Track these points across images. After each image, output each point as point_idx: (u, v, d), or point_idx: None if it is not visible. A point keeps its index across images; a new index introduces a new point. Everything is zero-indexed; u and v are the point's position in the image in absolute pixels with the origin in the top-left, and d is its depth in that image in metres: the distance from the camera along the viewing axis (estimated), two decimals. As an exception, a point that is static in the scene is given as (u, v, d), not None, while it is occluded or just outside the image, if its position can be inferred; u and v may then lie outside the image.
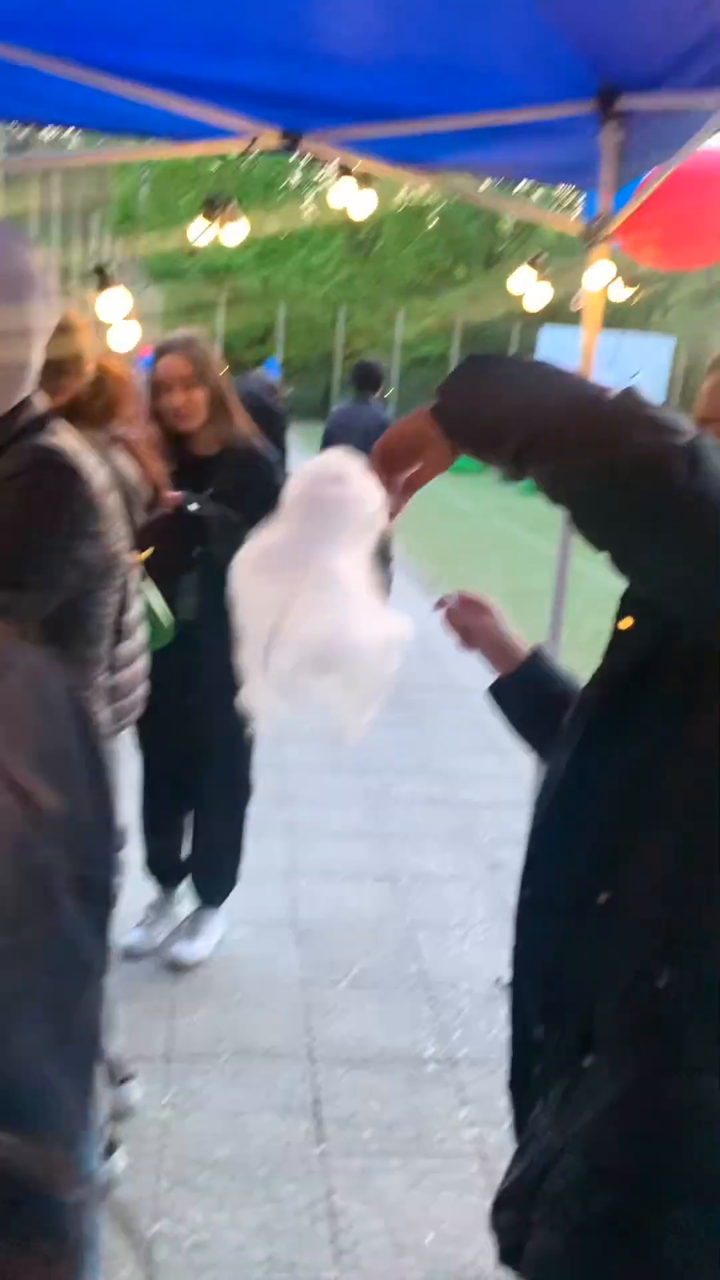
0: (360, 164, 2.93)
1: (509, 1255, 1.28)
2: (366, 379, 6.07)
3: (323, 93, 2.78)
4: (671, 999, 1.09)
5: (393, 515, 1.08)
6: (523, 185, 25.99)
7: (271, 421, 5.76)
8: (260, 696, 1.14)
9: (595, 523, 0.95)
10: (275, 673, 1.13)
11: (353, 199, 2.90)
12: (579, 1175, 1.15)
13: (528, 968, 1.31)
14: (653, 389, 30.82)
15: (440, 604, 1.56)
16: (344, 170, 2.90)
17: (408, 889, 3.69)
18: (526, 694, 1.46)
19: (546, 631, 3.02)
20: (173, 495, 2.61)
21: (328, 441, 6.18)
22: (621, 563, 0.97)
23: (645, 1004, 1.11)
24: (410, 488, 1.08)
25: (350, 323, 33.18)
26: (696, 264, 3.05)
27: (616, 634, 1.20)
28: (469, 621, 1.53)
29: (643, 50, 2.42)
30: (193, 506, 2.67)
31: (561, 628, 3.10)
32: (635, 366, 29.36)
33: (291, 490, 1.12)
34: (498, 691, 1.52)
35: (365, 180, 2.91)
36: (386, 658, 1.10)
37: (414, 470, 1.05)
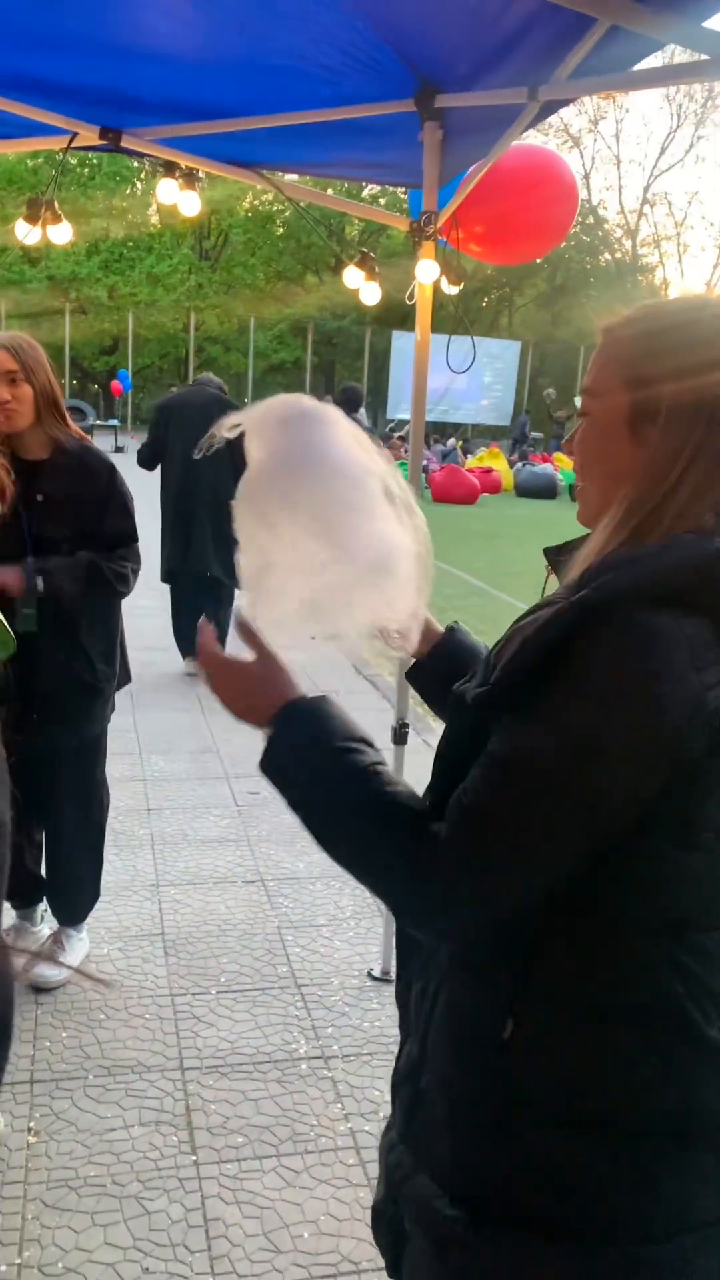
0: (185, 162, 2.91)
1: (393, 1268, 1.28)
2: (349, 400, 7.01)
3: (142, 90, 2.75)
4: (514, 1054, 1.08)
5: None
6: (368, 191, 26.35)
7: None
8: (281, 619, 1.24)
9: None
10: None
11: (179, 198, 2.87)
12: (429, 1193, 1.16)
13: (398, 979, 1.31)
14: (503, 391, 31.62)
15: None
16: (168, 169, 2.87)
17: (276, 891, 3.67)
18: (440, 673, 1.41)
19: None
20: (11, 576, 2.61)
21: None
22: None
23: (488, 1055, 1.10)
24: None
25: (201, 331, 32.93)
26: (521, 258, 3.14)
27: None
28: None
29: (455, 50, 2.48)
30: (39, 585, 2.65)
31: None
32: (486, 370, 30.18)
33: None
34: (413, 674, 1.49)
35: (189, 179, 2.88)
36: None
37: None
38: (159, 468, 6.10)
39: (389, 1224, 1.25)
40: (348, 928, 3.45)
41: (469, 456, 24.41)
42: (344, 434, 1.26)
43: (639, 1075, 1.06)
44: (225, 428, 1.32)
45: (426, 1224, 1.15)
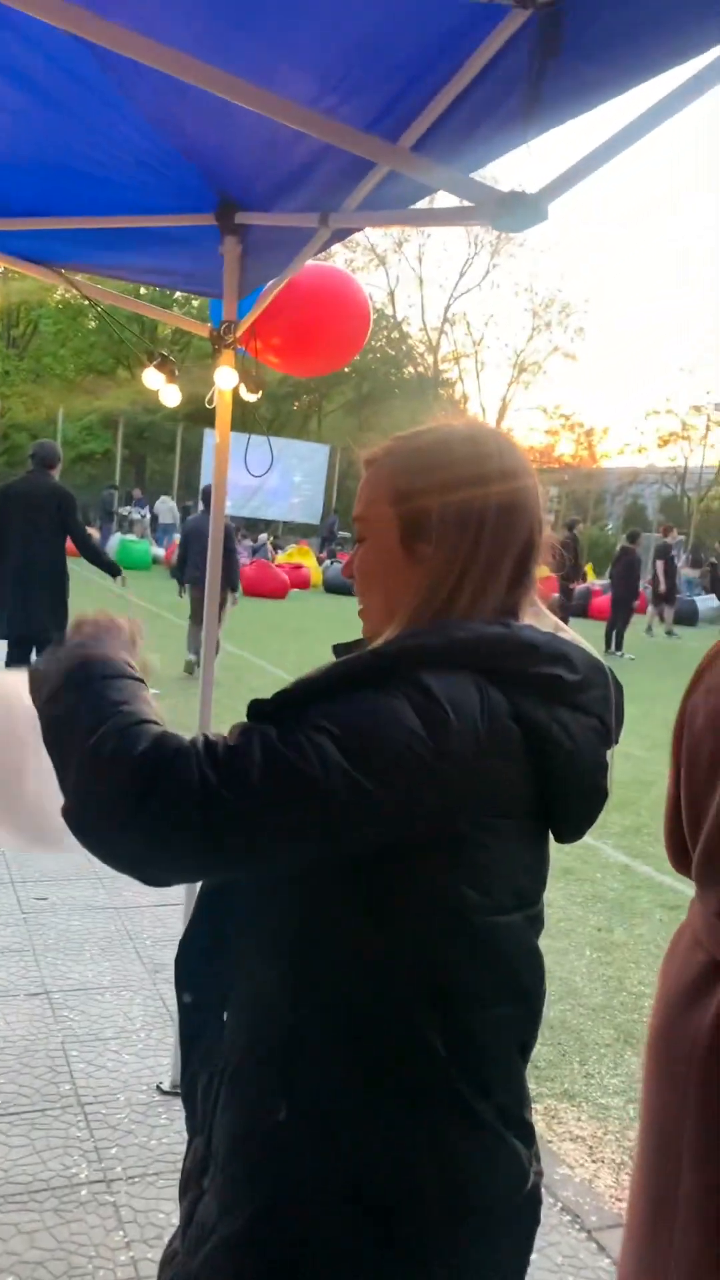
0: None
1: None
2: (44, 457, 7.31)
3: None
4: (290, 1132, 1.08)
5: None
6: (180, 293, 26.77)
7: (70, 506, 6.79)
8: None
9: None
10: None
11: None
12: None
13: (183, 1075, 1.27)
14: (313, 490, 32.45)
15: None
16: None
17: (62, 1003, 3.48)
18: None
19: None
20: None
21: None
22: None
23: (265, 1136, 1.10)
24: None
25: (7, 417, 32.29)
26: (316, 371, 3.26)
27: None
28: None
29: (253, 173, 2.60)
30: None
31: (210, 708, 3.16)
32: (296, 471, 30.92)
33: None
34: None
35: (-13, 273, 2.87)
36: None
37: None
38: None
39: None
40: (137, 1040, 3.30)
41: (279, 552, 24.74)
42: None
43: (409, 1153, 1.07)
44: None
45: None
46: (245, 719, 1.06)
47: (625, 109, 1.46)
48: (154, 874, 1.01)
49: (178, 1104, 2.98)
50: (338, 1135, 1.07)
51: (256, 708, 1.06)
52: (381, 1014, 1.07)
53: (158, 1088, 3.04)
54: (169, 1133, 2.84)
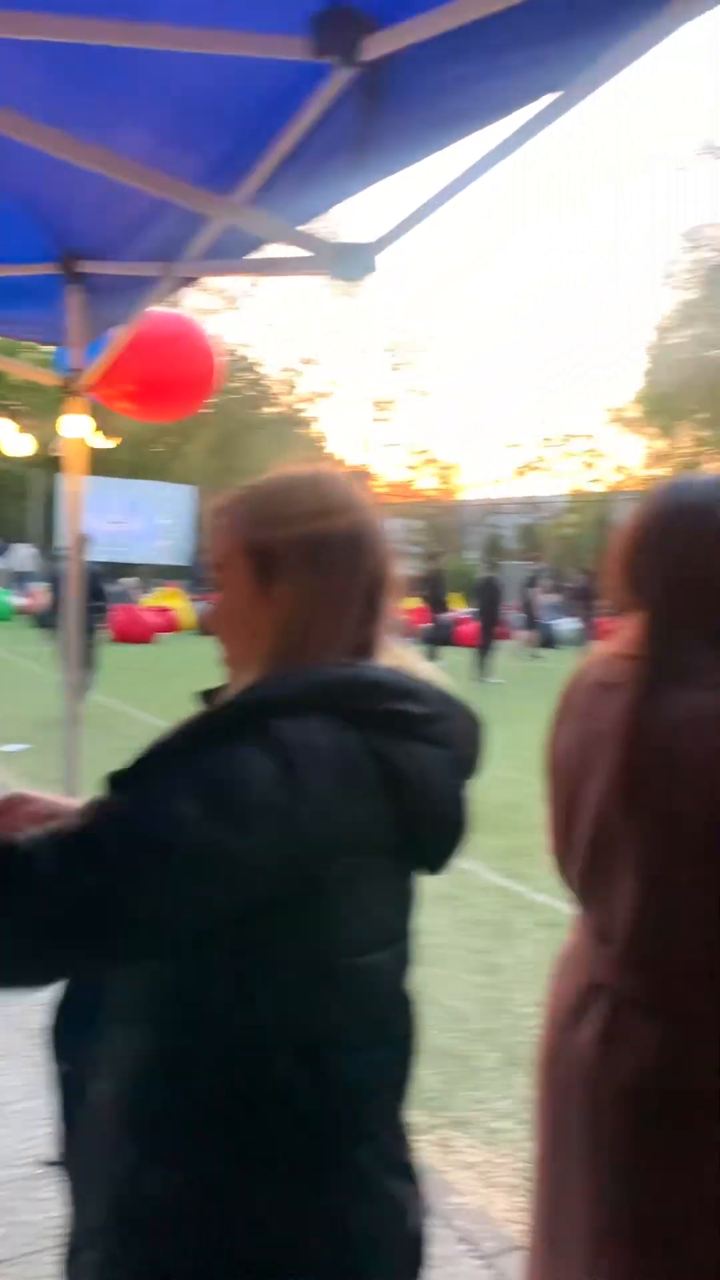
0: None
1: None
2: None
3: None
4: (159, 1203, 1.06)
5: None
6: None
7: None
8: None
9: None
10: None
11: None
12: None
13: (63, 1146, 1.23)
14: (180, 532, 32.23)
15: None
16: None
17: (-67, 1080, 3.33)
18: None
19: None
20: None
21: None
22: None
23: (142, 1208, 1.07)
24: None
25: None
26: (169, 416, 3.27)
27: None
28: (18, 820, 1.38)
29: (94, 222, 2.60)
30: None
31: (77, 759, 3.09)
32: (160, 513, 30.70)
33: None
34: None
35: None
36: None
37: None
38: None
39: None
40: (13, 1113, 3.18)
41: (144, 596, 24.43)
42: None
43: (288, 1208, 1.06)
44: None
45: None
46: (106, 788, 1.06)
47: (451, 163, 1.53)
48: (30, 978, 1.02)
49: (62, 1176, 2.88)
50: (214, 1202, 1.05)
51: (115, 777, 1.06)
52: (252, 1073, 1.06)
53: (39, 1160, 2.93)
54: (53, 1206, 2.73)
